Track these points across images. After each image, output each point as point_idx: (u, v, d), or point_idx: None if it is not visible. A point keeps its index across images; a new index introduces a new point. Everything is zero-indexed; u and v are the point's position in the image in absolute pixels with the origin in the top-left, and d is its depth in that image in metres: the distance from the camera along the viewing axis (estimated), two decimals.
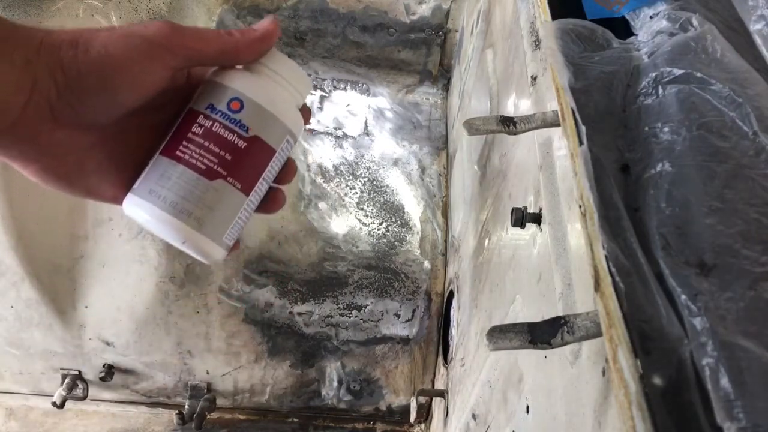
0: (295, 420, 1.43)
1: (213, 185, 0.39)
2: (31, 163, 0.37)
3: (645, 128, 0.44)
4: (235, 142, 0.39)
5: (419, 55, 1.58)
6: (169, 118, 0.41)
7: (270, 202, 0.44)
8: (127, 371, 1.36)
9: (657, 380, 0.31)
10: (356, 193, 1.48)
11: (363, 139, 1.56)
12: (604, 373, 0.41)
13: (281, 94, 0.42)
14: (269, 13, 1.50)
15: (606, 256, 0.35)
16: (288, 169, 0.44)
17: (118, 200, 0.41)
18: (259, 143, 0.40)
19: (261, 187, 0.42)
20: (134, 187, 0.40)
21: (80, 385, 1.33)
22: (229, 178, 0.39)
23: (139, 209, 0.39)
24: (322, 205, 1.45)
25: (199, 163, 0.39)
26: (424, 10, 1.52)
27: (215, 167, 0.39)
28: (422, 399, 1.24)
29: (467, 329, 1.03)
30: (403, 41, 1.56)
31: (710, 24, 0.48)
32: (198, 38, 0.38)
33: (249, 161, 0.40)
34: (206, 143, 0.39)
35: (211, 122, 0.39)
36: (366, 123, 1.58)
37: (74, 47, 0.35)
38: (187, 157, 0.39)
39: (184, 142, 0.39)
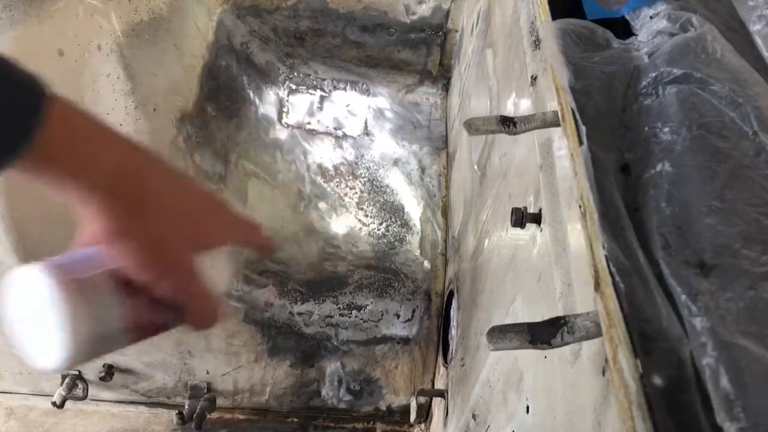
0: (295, 420, 1.42)
1: None
2: None
3: (645, 128, 0.44)
4: None
5: (419, 55, 1.58)
6: None
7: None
8: (126, 371, 1.35)
9: (657, 380, 0.31)
10: (356, 193, 1.48)
11: (363, 139, 1.56)
12: (604, 373, 0.41)
13: None
14: (269, 14, 1.50)
15: (606, 256, 0.35)
16: None
17: None
18: None
19: None
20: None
21: (80, 385, 1.32)
22: None
23: None
24: (322, 205, 1.45)
25: None
26: (424, 10, 1.52)
27: None
28: (422, 399, 1.24)
29: (467, 329, 1.03)
30: (403, 41, 1.56)
31: (710, 24, 0.48)
32: None
33: None
34: None
35: None
36: (366, 123, 1.58)
37: None
38: None
39: None
